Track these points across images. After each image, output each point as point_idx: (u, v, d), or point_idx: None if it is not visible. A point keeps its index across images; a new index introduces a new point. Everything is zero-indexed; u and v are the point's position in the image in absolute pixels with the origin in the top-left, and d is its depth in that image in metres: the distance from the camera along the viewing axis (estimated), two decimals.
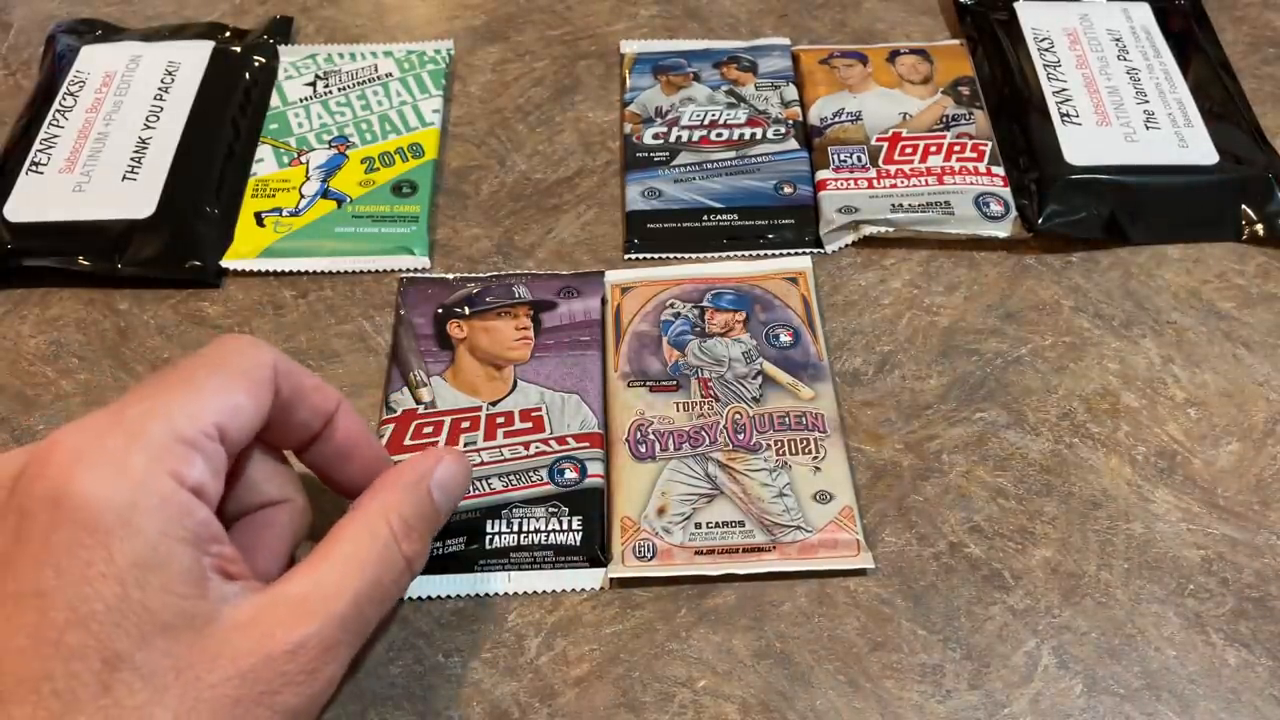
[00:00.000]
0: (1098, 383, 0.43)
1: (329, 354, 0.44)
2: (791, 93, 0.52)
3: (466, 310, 0.44)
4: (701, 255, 0.47)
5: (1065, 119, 0.49)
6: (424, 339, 0.43)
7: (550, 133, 0.52)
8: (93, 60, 0.53)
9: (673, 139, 0.50)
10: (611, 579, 0.37)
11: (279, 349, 0.31)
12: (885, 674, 0.35)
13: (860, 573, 0.38)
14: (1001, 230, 0.46)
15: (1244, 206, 0.47)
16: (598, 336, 0.43)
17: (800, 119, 0.51)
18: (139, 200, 0.47)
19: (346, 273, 0.46)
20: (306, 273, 0.46)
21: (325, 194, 0.48)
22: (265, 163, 0.49)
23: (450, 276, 0.46)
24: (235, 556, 0.28)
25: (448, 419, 0.41)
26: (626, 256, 0.47)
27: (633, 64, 0.54)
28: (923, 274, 0.46)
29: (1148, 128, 0.49)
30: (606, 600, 0.37)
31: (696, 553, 0.37)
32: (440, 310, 0.44)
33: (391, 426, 0.40)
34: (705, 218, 0.47)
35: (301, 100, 0.52)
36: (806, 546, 0.37)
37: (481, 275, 0.46)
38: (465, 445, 0.40)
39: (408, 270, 0.46)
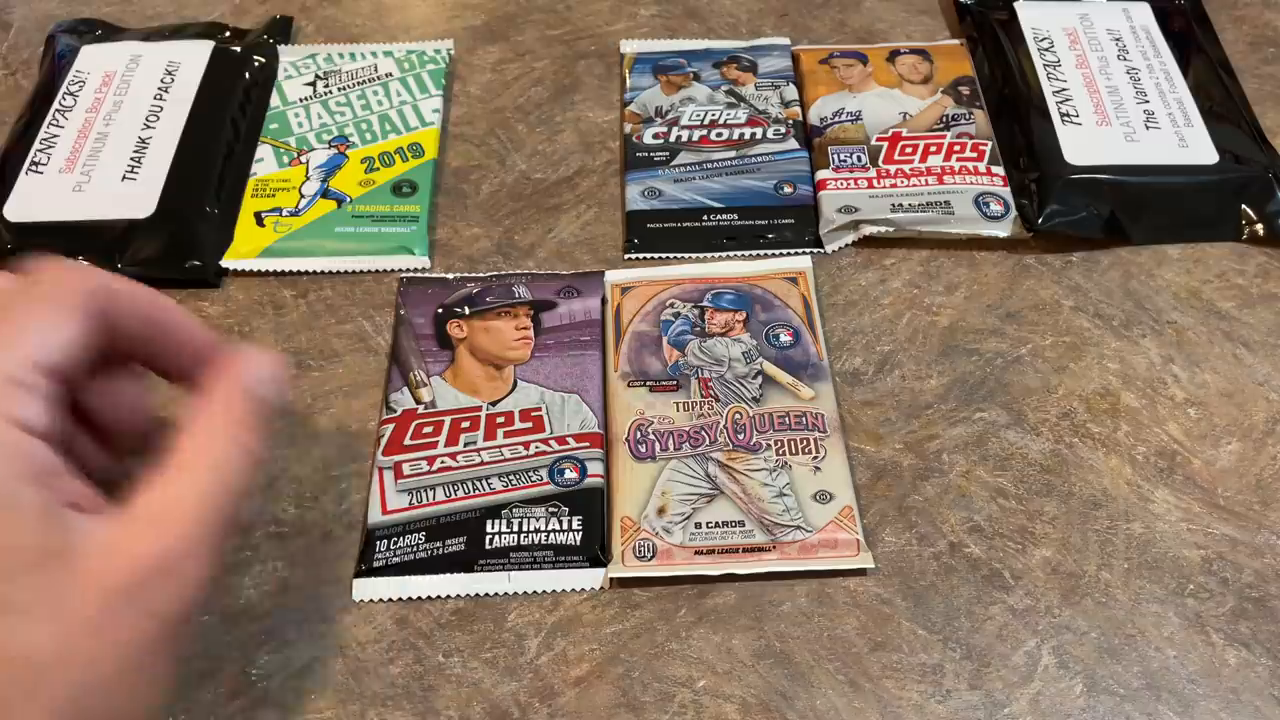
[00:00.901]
0: (1098, 383, 0.43)
1: (329, 354, 0.44)
2: (791, 92, 0.52)
3: (466, 310, 0.44)
4: (701, 255, 0.47)
5: (1065, 119, 0.49)
6: (424, 339, 0.43)
7: (550, 133, 0.52)
8: (93, 60, 0.53)
9: (673, 139, 0.50)
10: (611, 579, 0.37)
11: (115, 283, 0.30)
12: (885, 674, 0.35)
13: (860, 572, 0.38)
14: (1001, 230, 0.46)
15: (1244, 206, 0.47)
16: (598, 336, 0.43)
17: (800, 119, 0.51)
18: (139, 200, 0.47)
19: (346, 273, 0.46)
20: (306, 273, 0.46)
21: (325, 194, 0.48)
22: (265, 162, 0.49)
23: (450, 276, 0.46)
24: (83, 490, 0.28)
25: (448, 419, 0.41)
26: (626, 256, 0.47)
27: (633, 64, 0.54)
28: (923, 274, 0.46)
29: (1148, 128, 0.49)
30: (606, 600, 0.37)
31: (696, 553, 0.37)
32: (440, 310, 0.44)
33: (391, 426, 0.40)
34: (705, 217, 0.47)
35: (301, 100, 0.52)
36: (806, 546, 0.37)
37: (481, 275, 0.46)
38: (465, 445, 0.40)
39: (408, 270, 0.46)
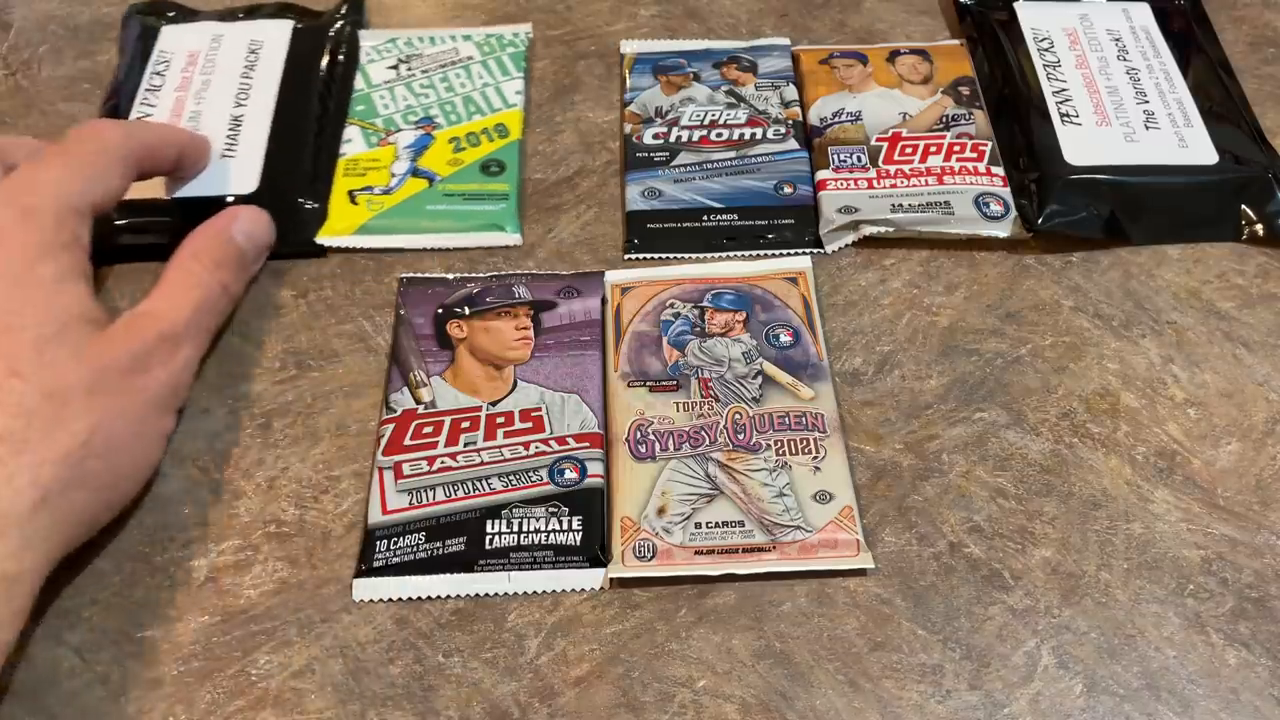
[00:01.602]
0: (1098, 383, 0.43)
1: (329, 354, 0.44)
2: (791, 93, 0.52)
3: (466, 310, 0.44)
4: (701, 255, 0.47)
5: (1065, 119, 0.49)
6: (424, 339, 0.43)
7: (550, 133, 0.52)
8: (176, 40, 0.53)
9: (673, 139, 0.50)
10: (611, 579, 0.37)
11: (146, 135, 0.44)
12: (885, 674, 0.35)
13: (860, 573, 0.38)
14: (1001, 230, 0.46)
15: (1244, 206, 0.47)
16: (598, 336, 0.43)
17: (800, 119, 0.51)
18: (241, 176, 0.47)
19: (446, 250, 0.47)
20: (394, 250, 0.47)
21: (415, 173, 0.49)
22: (354, 143, 0.50)
23: (450, 276, 0.46)
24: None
25: (448, 419, 0.41)
26: (626, 256, 0.47)
27: (633, 64, 0.54)
28: (923, 274, 0.46)
29: (1147, 128, 0.49)
30: (606, 600, 0.37)
31: (696, 553, 0.37)
32: (440, 310, 0.44)
33: (391, 426, 0.40)
34: (705, 218, 0.47)
35: (386, 83, 0.53)
36: (806, 546, 0.37)
37: (481, 275, 0.46)
38: (465, 445, 0.40)
39: (500, 247, 0.47)
